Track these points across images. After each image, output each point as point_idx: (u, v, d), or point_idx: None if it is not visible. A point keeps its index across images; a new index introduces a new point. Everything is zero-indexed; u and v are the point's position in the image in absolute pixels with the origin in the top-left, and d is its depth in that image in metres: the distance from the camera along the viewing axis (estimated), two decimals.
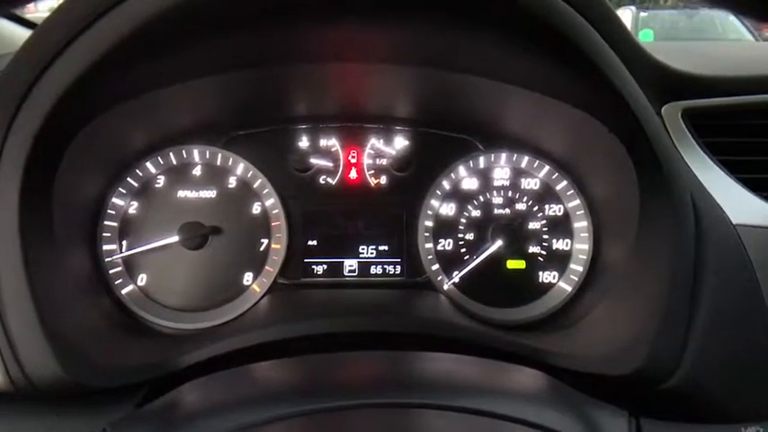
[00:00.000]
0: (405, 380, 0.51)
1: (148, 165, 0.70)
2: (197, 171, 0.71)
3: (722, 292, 0.56)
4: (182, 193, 0.71)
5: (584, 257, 0.71)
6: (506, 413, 0.43)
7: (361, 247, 0.73)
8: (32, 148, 0.52)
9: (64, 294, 0.57)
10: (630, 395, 0.50)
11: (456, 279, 0.72)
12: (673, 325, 0.55)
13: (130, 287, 0.68)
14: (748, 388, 0.51)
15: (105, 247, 0.68)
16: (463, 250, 0.73)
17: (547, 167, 0.73)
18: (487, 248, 0.71)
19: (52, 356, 0.51)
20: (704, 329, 0.55)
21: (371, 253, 0.74)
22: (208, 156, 0.71)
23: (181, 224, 0.69)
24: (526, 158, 0.73)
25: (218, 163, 0.71)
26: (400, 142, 0.74)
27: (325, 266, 0.73)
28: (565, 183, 0.73)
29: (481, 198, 0.73)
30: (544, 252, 0.73)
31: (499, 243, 0.71)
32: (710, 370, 0.53)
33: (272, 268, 0.71)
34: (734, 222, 0.58)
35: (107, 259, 0.68)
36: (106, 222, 0.69)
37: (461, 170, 0.74)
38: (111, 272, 0.68)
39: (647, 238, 0.60)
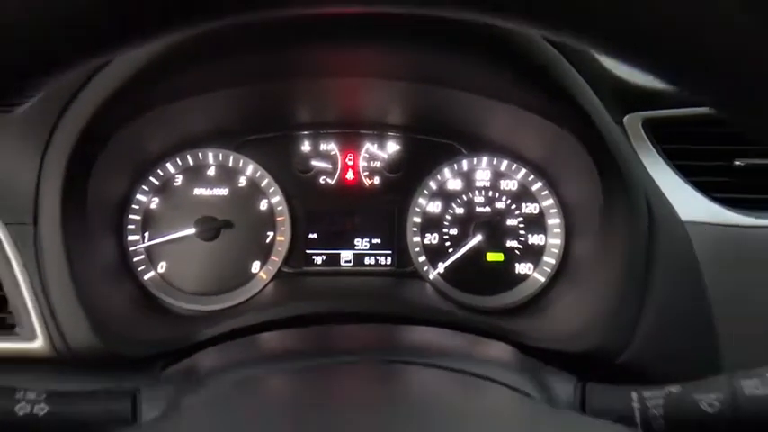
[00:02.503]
0: (390, 343, 0.56)
1: (168, 165, 0.75)
2: (211, 171, 0.76)
3: (670, 280, 0.60)
4: (197, 191, 0.75)
5: (557, 251, 0.76)
6: (474, 371, 0.48)
7: (356, 240, 0.78)
8: (74, 149, 0.58)
9: (96, 278, 0.63)
10: (587, 368, 0.55)
11: (441, 269, 0.76)
12: (626, 309, 0.59)
13: (152, 273, 0.73)
14: (683, 362, 0.56)
15: (130, 238, 0.73)
16: (447, 243, 0.77)
17: (524, 170, 0.77)
18: (469, 242, 0.76)
19: (89, 328, 0.57)
20: (653, 314, 0.59)
21: (365, 245, 0.78)
22: (221, 158, 0.76)
23: (196, 218, 0.74)
24: (505, 162, 0.77)
25: (230, 164, 0.76)
26: (392, 147, 0.79)
27: (324, 257, 0.77)
28: (540, 184, 0.77)
29: (464, 197, 0.78)
30: (520, 246, 0.77)
31: (480, 238, 0.75)
32: (655, 348, 0.58)
33: (277, 258, 0.76)
34: (683, 219, 0.62)
35: (132, 249, 0.73)
36: (131, 216, 0.73)
37: (446, 172, 0.78)
38: (135, 260, 0.73)
39: (608, 233, 0.65)
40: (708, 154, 0.66)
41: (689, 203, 0.63)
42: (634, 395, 0.44)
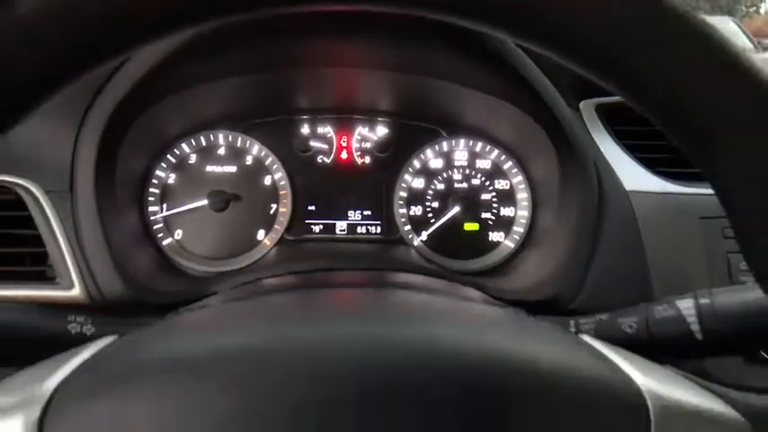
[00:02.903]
0: (380, 280, 0.65)
1: (183, 145, 0.84)
2: (221, 151, 0.85)
3: (614, 241, 0.70)
4: (209, 168, 0.85)
5: (525, 221, 0.85)
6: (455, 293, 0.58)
7: (349, 212, 0.87)
8: (105, 127, 0.67)
9: (124, 241, 0.72)
10: (545, 314, 0.64)
11: (423, 237, 0.86)
12: (577, 265, 0.69)
13: (169, 240, 0.83)
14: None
15: (150, 209, 0.82)
16: (429, 215, 0.87)
17: (496, 151, 0.87)
18: (448, 213, 0.85)
19: (119, 280, 0.66)
20: (599, 269, 0.69)
21: (357, 216, 0.87)
22: (230, 139, 0.85)
23: (208, 191, 0.83)
24: (480, 144, 0.87)
25: (238, 145, 0.85)
26: (381, 130, 0.88)
27: (322, 226, 0.87)
28: (510, 163, 0.87)
29: (444, 174, 0.87)
30: (493, 217, 0.86)
31: (457, 209, 0.85)
32: (599, 297, 0.68)
33: (279, 227, 0.85)
34: (628, 189, 0.72)
35: (152, 218, 0.82)
36: (151, 189, 0.82)
37: (429, 152, 0.87)
38: (154, 227, 0.82)
39: (565, 203, 0.75)
40: (652, 134, 0.76)
41: (634, 176, 0.73)
42: (571, 322, 0.54)
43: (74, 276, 0.66)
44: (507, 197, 0.87)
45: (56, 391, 0.29)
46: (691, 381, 0.33)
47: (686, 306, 0.49)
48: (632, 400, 0.30)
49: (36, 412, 0.28)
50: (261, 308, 0.42)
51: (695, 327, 0.48)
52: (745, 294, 0.47)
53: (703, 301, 0.48)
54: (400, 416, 0.26)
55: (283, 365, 0.28)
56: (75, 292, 0.66)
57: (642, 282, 0.67)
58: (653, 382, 0.31)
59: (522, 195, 0.86)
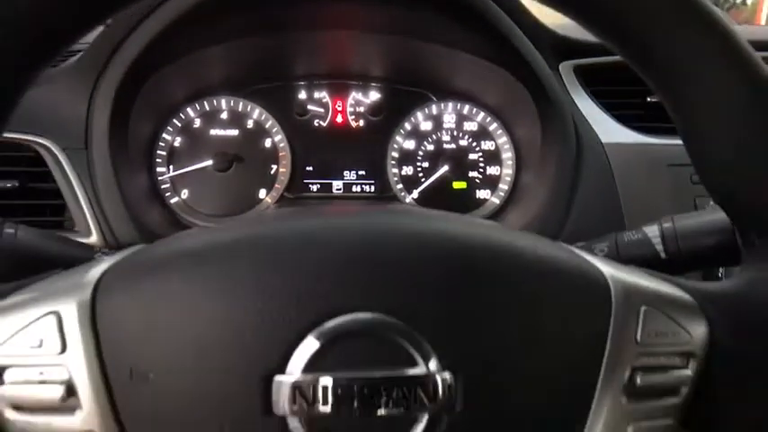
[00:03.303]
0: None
1: (188, 110, 0.89)
2: (224, 115, 0.89)
3: (591, 189, 0.76)
4: (213, 132, 0.89)
5: (509, 179, 0.91)
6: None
7: (345, 172, 0.92)
8: (119, 88, 0.72)
9: (135, 195, 0.76)
10: None
11: (415, 195, 0.91)
12: (556, 213, 0.75)
13: (176, 199, 0.87)
14: None
15: (158, 170, 0.87)
16: (420, 174, 0.91)
17: (483, 113, 0.92)
18: (437, 173, 0.90)
19: (133, 229, 0.71)
20: (577, 215, 0.75)
21: (353, 176, 0.92)
22: (232, 104, 0.90)
23: (212, 153, 0.88)
24: (467, 107, 0.92)
25: (240, 110, 0.90)
26: (374, 95, 0.93)
27: (319, 185, 0.92)
28: (495, 125, 0.92)
29: (434, 136, 0.92)
30: (480, 176, 0.92)
31: (446, 169, 0.90)
32: (577, 238, 0.73)
33: (279, 186, 0.89)
34: (603, 142, 0.78)
35: (159, 178, 0.87)
36: (158, 152, 0.87)
37: (419, 116, 0.92)
38: (162, 187, 0.87)
39: (546, 157, 0.80)
40: (627, 93, 0.81)
41: (610, 131, 0.79)
42: None
43: (91, 225, 0.70)
44: (493, 157, 0.92)
45: (103, 274, 0.34)
46: (649, 273, 0.39)
47: (652, 230, 0.54)
48: (597, 281, 0.34)
49: (87, 293, 0.32)
50: (281, 212, 0.47)
51: (659, 247, 0.53)
52: (704, 217, 0.53)
53: (666, 225, 0.54)
54: (404, 277, 0.31)
55: (311, 240, 0.32)
56: (93, 238, 0.71)
57: (617, 225, 0.72)
58: (615, 270, 0.36)
59: (507, 155, 0.91)
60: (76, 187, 0.71)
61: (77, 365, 0.30)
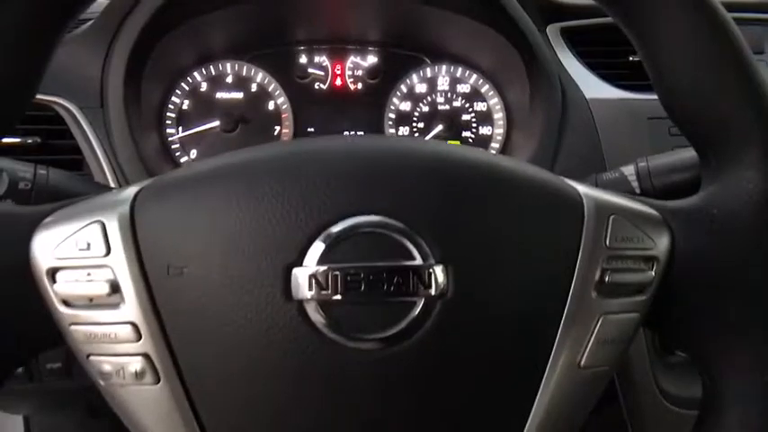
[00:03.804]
0: None
1: (195, 74, 0.92)
2: (229, 79, 0.93)
3: (576, 141, 0.80)
4: (219, 95, 0.93)
5: (501, 138, 0.95)
6: None
7: (344, 132, 0.96)
8: (132, 49, 0.76)
9: (149, 152, 0.81)
10: None
11: None
12: (545, 161, 0.80)
13: (186, 158, 0.91)
14: None
15: (168, 131, 0.91)
16: (416, 134, 0.95)
17: (475, 76, 0.96)
18: (432, 132, 0.94)
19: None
20: (562, 163, 0.79)
21: None
22: (236, 68, 0.93)
23: (219, 115, 0.92)
24: (460, 70, 0.96)
25: (244, 74, 0.93)
26: (372, 59, 0.96)
27: None
28: (487, 86, 0.96)
29: (429, 98, 0.96)
30: (473, 136, 0.95)
31: (440, 128, 0.94)
32: None
33: None
34: (587, 97, 0.82)
35: (170, 139, 0.91)
36: (168, 114, 0.91)
37: (415, 78, 0.96)
38: (172, 147, 0.91)
39: (533, 116, 0.85)
40: (611, 53, 0.86)
41: (593, 88, 0.84)
42: None
43: (108, 177, 0.75)
44: (485, 117, 0.96)
45: (138, 192, 0.38)
46: (619, 193, 0.43)
47: (628, 169, 0.59)
48: (572, 196, 0.39)
49: (126, 206, 0.37)
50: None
51: (635, 184, 0.58)
52: (675, 156, 0.58)
53: (641, 164, 0.59)
54: (404, 185, 0.36)
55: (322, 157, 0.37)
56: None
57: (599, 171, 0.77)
58: (589, 189, 0.41)
59: (498, 116, 0.96)
60: (94, 143, 0.75)
61: (120, 266, 0.35)
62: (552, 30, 0.87)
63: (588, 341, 0.37)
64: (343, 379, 0.34)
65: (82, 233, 0.36)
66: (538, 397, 0.37)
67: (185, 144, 0.92)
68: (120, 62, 0.77)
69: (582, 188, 0.40)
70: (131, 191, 0.38)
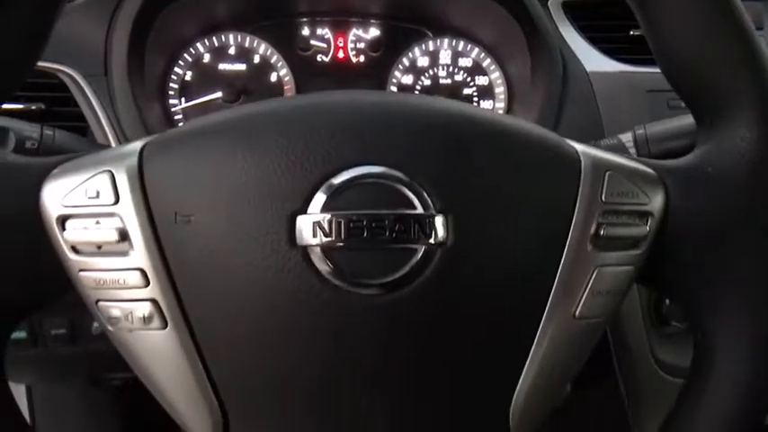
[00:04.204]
0: None
1: (198, 45, 0.92)
2: (232, 51, 0.93)
3: (576, 113, 0.81)
4: (221, 66, 0.93)
5: (501, 112, 0.96)
6: None
7: None
8: (137, 16, 0.77)
9: (153, 123, 0.80)
10: None
11: None
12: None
13: None
14: None
15: (171, 101, 0.91)
16: None
17: (477, 49, 0.96)
18: None
19: None
20: (562, 134, 0.80)
21: None
22: (239, 40, 0.93)
23: (221, 86, 0.92)
24: (462, 43, 0.96)
25: (246, 45, 0.93)
26: (374, 31, 0.96)
27: None
28: (489, 60, 0.96)
29: (430, 71, 0.96)
30: None
31: None
32: None
33: None
34: (588, 70, 0.83)
35: (173, 109, 0.91)
36: (170, 84, 0.91)
37: (416, 51, 0.96)
38: (175, 118, 0.92)
39: (534, 89, 0.85)
40: (611, 27, 0.86)
41: (594, 61, 0.84)
42: None
43: (112, 143, 0.76)
44: (486, 92, 0.97)
45: (145, 144, 0.39)
46: (616, 153, 0.44)
47: (626, 136, 0.60)
48: (570, 153, 0.40)
49: (134, 158, 0.38)
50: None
51: (632, 150, 0.59)
52: (672, 123, 0.58)
53: (639, 131, 0.59)
54: (407, 137, 0.37)
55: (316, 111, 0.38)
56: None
57: None
58: (586, 148, 0.42)
59: (500, 90, 0.96)
60: (98, 111, 0.76)
61: (129, 214, 0.36)
62: (554, 3, 0.87)
63: (583, 292, 0.38)
64: (345, 323, 0.35)
65: (91, 182, 0.37)
66: (533, 347, 0.38)
67: (188, 115, 0.92)
68: (123, 31, 0.77)
69: (580, 146, 0.41)
70: (138, 144, 0.39)
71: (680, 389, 0.45)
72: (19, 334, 0.75)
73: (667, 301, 0.77)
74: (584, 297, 0.39)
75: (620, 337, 0.80)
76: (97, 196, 0.36)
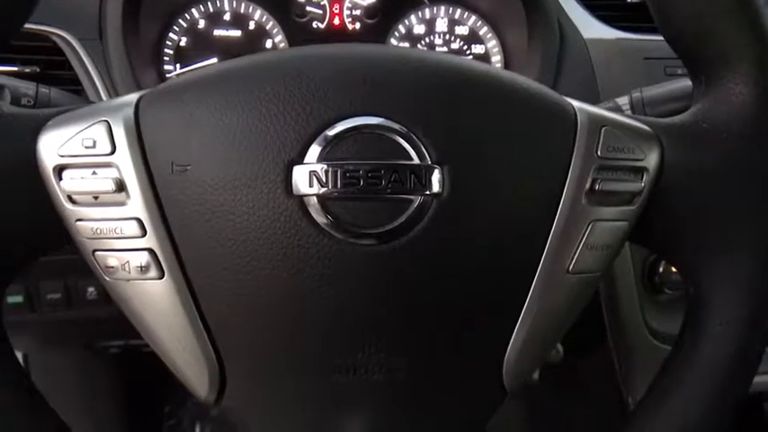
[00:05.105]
0: None
1: (193, 11, 0.91)
2: (227, 17, 0.92)
3: (573, 80, 0.81)
4: (216, 32, 0.92)
5: None
6: None
7: None
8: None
9: (147, 87, 0.81)
10: None
11: None
12: None
13: None
14: None
15: (166, 67, 0.91)
16: None
17: (473, 17, 0.95)
18: None
19: None
20: None
21: None
22: (234, 5, 0.92)
23: (216, 52, 0.92)
24: (459, 11, 0.95)
25: (242, 11, 0.93)
26: None
27: None
28: (485, 29, 0.95)
29: (426, 39, 0.95)
30: None
31: None
32: None
33: None
34: (585, 38, 0.82)
35: (167, 75, 0.91)
36: (165, 50, 0.91)
37: (413, 19, 0.95)
38: None
39: (531, 57, 0.85)
40: None
41: (593, 29, 0.84)
42: None
43: None
44: (483, 60, 0.96)
45: (141, 96, 0.39)
46: (612, 110, 0.44)
47: (622, 99, 0.60)
48: (567, 109, 0.40)
49: (130, 109, 0.38)
50: None
51: (628, 112, 0.59)
52: (668, 86, 0.58)
53: (635, 94, 0.59)
54: (404, 89, 0.37)
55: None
56: None
57: None
58: (582, 104, 0.42)
59: (497, 58, 0.96)
60: (93, 75, 0.75)
61: (125, 164, 0.36)
62: None
63: (578, 247, 0.39)
64: (342, 273, 0.36)
65: (87, 132, 0.37)
66: (527, 300, 0.39)
67: None
68: (116, 8, 0.77)
69: (576, 103, 0.41)
70: (135, 96, 0.39)
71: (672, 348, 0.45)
72: (16, 298, 0.75)
73: (661, 269, 0.78)
74: (578, 251, 0.39)
75: (613, 304, 0.81)
76: (94, 146, 0.36)
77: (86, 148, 0.36)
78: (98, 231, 0.36)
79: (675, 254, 0.44)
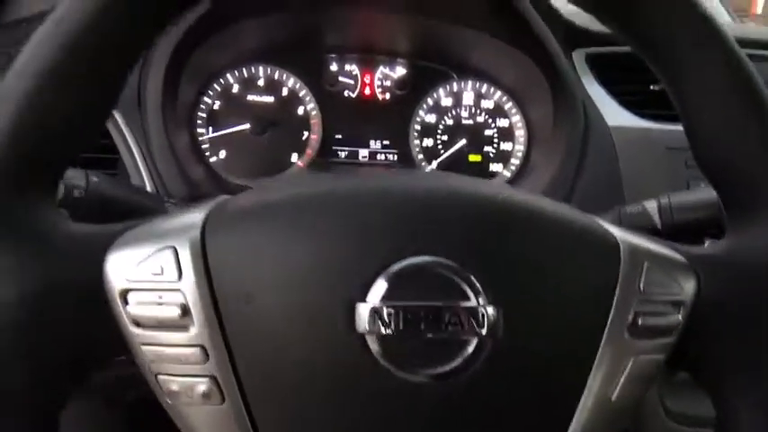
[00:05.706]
0: None
1: (228, 76, 0.94)
2: (261, 82, 0.95)
3: (596, 167, 0.83)
4: (250, 97, 0.94)
5: (521, 155, 0.97)
6: None
7: (371, 141, 0.98)
8: (170, 58, 0.78)
9: (183, 155, 0.83)
10: None
11: (434, 165, 0.97)
12: (563, 187, 0.82)
13: (215, 158, 0.93)
14: None
15: (198, 130, 0.93)
16: (440, 146, 0.98)
17: (499, 92, 0.98)
18: (455, 146, 0.97)
19: (181, 181, 0.77)
20: (582, 188, 0.82)
21: (378, 146, 0.98)
22: (269, 72, 0.95)
23: (249, 117, 0.94)
24: (485, 86, 0.98)
25: (276, 78, 0.95)
26: (400, 70, 0.98)
27: (347, 152, 0.97)
28: (510, 104, 0.98)
29: (453, 112, 0.98)
30: (494, 150, 0.98)
31: (463, 142, 0.96)
32: (582, 208, 0.80)
33: (311, 151, 0.95)
34: (610, 125, 0.84)
35: (200, 138, 0.93)
36: (199, 113, 0.93)
37: (441, 92, 0.98)
38: (202, 147, 0.93)
39: (555, 137, 0.87)
40: (633, 81, 0.88)
41: (616, 115, 0.86)
42: None
43: (144, 177, 0.77)
44: (507, 134, 0.98)
45: (206, 218, 0.40)
46: (650, 237, 0.46)
47: (650, 205, 0.61)
48: (610, 241, 0.42)
49: (197, 232, 0.39)
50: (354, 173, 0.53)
51: (656, 219, 0.60)
52: (696, 195, 0.60)
53: (663, 200, 0.61)
54: (461, 229, 0.38)
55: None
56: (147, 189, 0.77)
57: (618, 200, 0.79)
58: (623, 233, 0.43)
59: (520, 133, 0.98)
60: (131, 143, 0.77)
61: (191, 291, 0.37)
62: (578, 55, 0.88)
63: (620, 379, 0.40)
64: (399, 411, 0.37)
65: (155, 258, 0.38)
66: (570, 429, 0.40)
67: (215, 144, 0.94)
68: (158, 67, 0.79)
69: (618, 232, 0.42)
70: (199, 217, 0.40)
71: None
72: None
73: None
74: (620, 383, 0.40)
75: None
76: (161, 273, 0.37)
77: (154, 274, 0.37)
78: (162, 356, 0.37)
79: (706, 381, 0.45)
